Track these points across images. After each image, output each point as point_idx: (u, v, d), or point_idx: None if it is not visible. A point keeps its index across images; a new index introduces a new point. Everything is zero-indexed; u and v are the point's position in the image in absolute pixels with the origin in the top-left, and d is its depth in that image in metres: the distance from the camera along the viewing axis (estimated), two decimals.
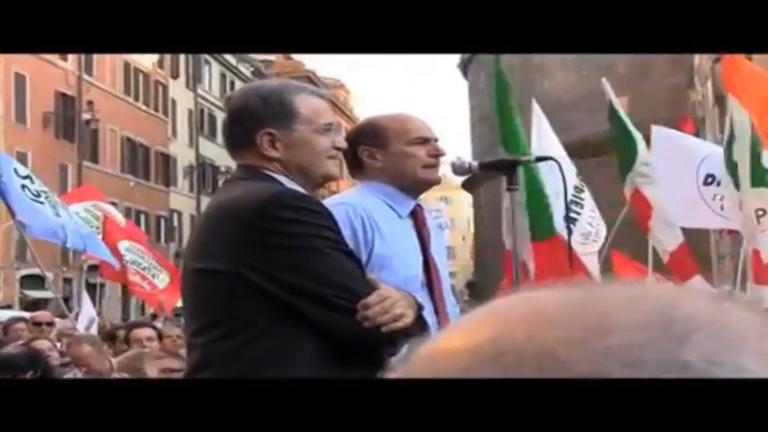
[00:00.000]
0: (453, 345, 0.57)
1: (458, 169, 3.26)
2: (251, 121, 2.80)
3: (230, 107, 2.92)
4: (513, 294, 0.61)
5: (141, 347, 6.99)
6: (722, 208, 7.32)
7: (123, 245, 11.86)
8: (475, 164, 3.21)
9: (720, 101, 23.60)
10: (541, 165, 4.80)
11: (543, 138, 7.28)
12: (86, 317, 10.83)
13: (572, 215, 6.40)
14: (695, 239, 8.02)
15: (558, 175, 3.26)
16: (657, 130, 7.79)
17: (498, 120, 6.33)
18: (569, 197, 6.46)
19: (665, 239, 7.30)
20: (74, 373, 6.27)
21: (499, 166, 3.26)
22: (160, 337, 7.79)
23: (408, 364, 0.59)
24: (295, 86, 2.92)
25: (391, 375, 0.60)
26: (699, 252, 8.61)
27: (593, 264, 7.25)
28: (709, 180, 7.49)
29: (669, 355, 0.51)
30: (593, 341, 0.52)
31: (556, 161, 3.21)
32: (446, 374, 0.55)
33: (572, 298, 0.57)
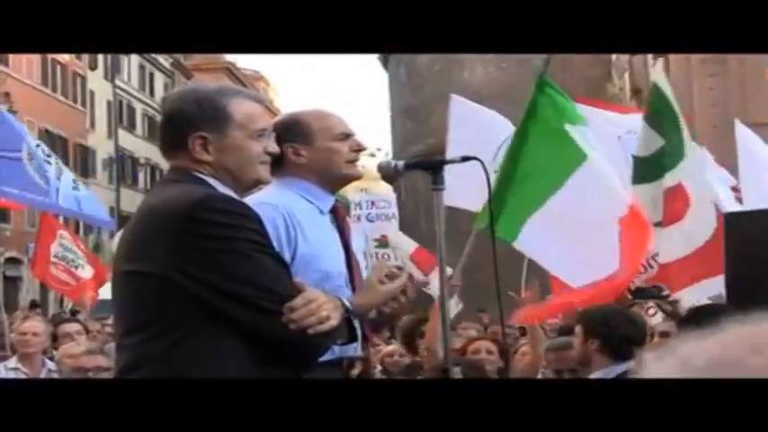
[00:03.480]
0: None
1: (384, 170, 3.29)
2: (184, 124, 2.80)
3: (165, 109, 2.94)
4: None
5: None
6: None
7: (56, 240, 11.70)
8: (401, 164, 3.25)
9: (637, 93, 24.01)
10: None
11: (463, 130, 7.16)
12: None
13: None
14: None
15: (482, 173, 3.30)
16: None
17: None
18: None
19: (702, 230, 6.27)
20: None
21: (425, 166, 3.30)
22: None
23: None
24: (231, 90, 2.92)
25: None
26: None
27: None
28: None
29: None
30: None
31: (480, 161, 3.25)
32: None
33: None
